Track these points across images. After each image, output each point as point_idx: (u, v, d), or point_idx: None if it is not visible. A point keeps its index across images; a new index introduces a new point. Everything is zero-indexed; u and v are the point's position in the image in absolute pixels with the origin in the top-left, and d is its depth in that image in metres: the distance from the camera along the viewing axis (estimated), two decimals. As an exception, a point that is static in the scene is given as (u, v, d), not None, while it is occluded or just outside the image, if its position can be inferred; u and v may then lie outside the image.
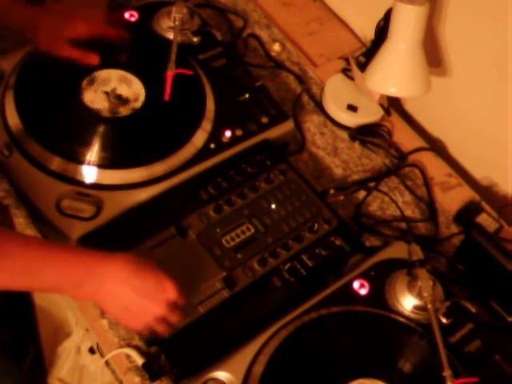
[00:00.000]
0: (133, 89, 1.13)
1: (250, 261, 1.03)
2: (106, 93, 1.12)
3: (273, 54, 1.40)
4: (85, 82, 1.12)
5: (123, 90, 1.13)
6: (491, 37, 1.19)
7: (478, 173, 1.33)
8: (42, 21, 1.11)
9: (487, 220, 1.21)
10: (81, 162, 1.05)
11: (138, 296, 0.88)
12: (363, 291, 1.02)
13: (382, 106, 1.32)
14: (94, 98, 1.10)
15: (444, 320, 0.99)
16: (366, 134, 1.30)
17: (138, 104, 1.12)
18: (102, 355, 1.13)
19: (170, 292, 0.90)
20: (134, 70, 1.16)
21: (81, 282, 0.86)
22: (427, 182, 1.26)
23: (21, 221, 1.05)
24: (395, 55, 1.17)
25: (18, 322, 1.48)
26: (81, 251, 0.91)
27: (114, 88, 1.12)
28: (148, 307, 0.89)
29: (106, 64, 1.15)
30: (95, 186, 1.05)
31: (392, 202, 1.22)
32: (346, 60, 1.38)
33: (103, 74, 1.14)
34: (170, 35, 1.23)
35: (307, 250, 1.06)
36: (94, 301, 0.92)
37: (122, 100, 1.11)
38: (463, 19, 1.22)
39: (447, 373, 0.91)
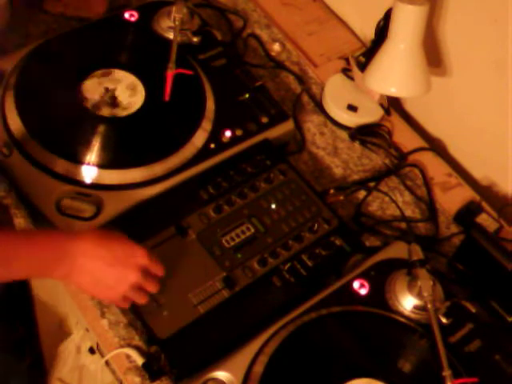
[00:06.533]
0: (132, 99, 1.13)
1: (250, 261, 1.03)
2: (106, 89, 1.12)
3: (273, 53, 1.40)
4: (99, 72, 1.13)
5: (122, 96, 1.13)
6: (491, 37, 1.18)
7: (478, 173, 1.33)
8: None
9: (487, 220, 1.21)
10: (81, 161, 1.05)
11: (108, 266, 0.88)
12: (363, 291, 1.02)
13: (382, 105, 1.32)
14: (92, 87, 1.11)
15: (444, 320, 0.99)
16: (365, 134, 1.30)
17: (123, 113, 1.11)
18: (102, 355, 1.13)
19: (140, 256, 0.90)
20: (134, 69, 1.16)
21: (55, 262, 0.87)
22: (427, 182, 1.26)
23: (21, 221, 1.05)
24: (395, 55, 1.17)
25: (19, 322, 1.47)
26: (49, 233, 0.92)
27: (114, 88, 1.13)
28: (121, 275, 0.89)
29: (106, 63, 1.15)
30: (95, 186, 1.05)
31: (392, 201, 1.22)
32: (346, 60, 1.38)
33: (119, 73, 1.15)
34: (170, 35, 1.23)
35: (307, 250, 1.06)
36: (70, 281, 0.91)
37: (114, 103, 1.11)
38: (463, 19, 1.22)
39: (447, 373, 0.91)
